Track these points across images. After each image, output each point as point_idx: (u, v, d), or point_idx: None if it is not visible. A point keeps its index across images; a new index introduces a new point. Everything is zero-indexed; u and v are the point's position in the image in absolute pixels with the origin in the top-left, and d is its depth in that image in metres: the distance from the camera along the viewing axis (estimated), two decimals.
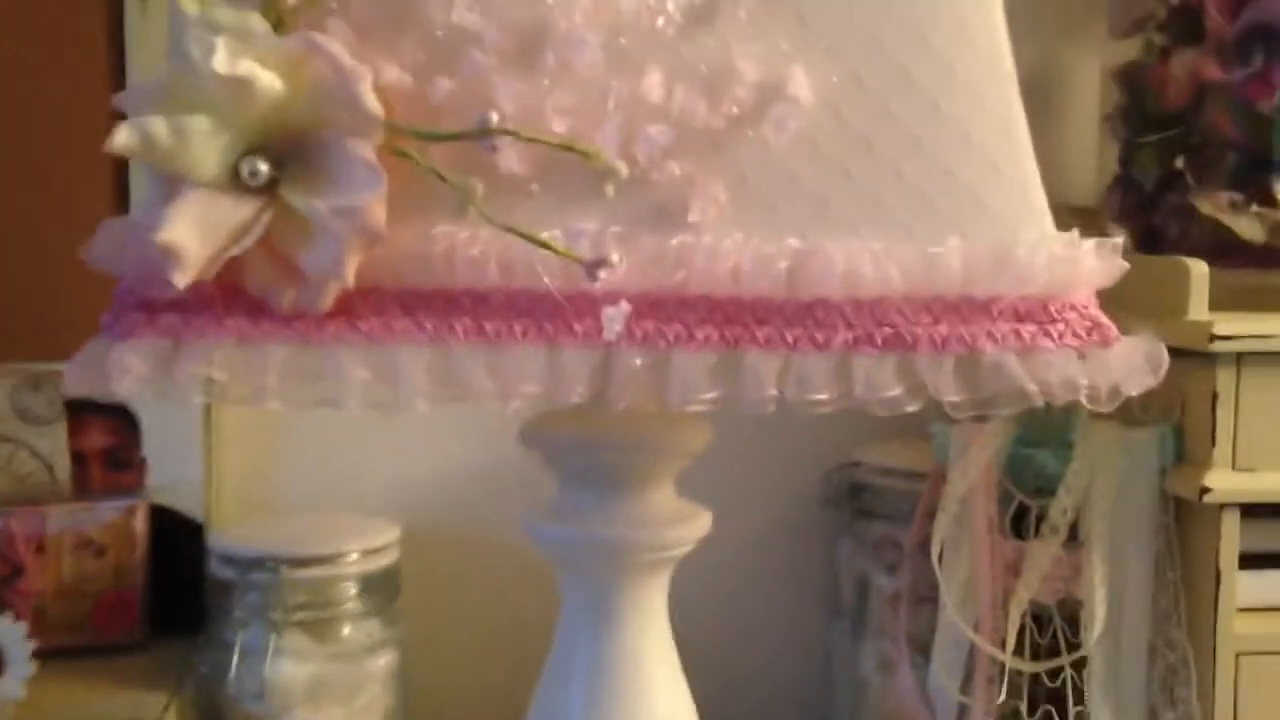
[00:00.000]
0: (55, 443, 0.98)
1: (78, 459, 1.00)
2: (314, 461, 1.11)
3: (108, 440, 1.01)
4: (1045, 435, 0.88)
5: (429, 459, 1.11)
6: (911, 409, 0.55)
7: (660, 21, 0.54)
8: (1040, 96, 1.08)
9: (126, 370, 0.52)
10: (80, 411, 1.00)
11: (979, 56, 0.56)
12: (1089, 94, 1.00)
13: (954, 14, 0.55)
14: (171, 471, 1.02)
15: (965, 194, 0.56)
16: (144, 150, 0.49)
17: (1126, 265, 0.57)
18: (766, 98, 0.54)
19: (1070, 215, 1.02)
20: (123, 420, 1.01)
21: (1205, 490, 0.79)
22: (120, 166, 0.98)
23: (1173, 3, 0.88)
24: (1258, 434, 0.80)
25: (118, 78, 0.97)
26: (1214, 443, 0.79)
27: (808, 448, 1.12)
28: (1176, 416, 0.83)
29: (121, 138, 0.49)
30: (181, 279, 0.50)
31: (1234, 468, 0.80)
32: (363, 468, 1.11)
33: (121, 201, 0.99)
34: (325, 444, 1.10)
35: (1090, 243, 0.57)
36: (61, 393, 0.53)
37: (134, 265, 0.53)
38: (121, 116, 0.96)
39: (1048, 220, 0.57)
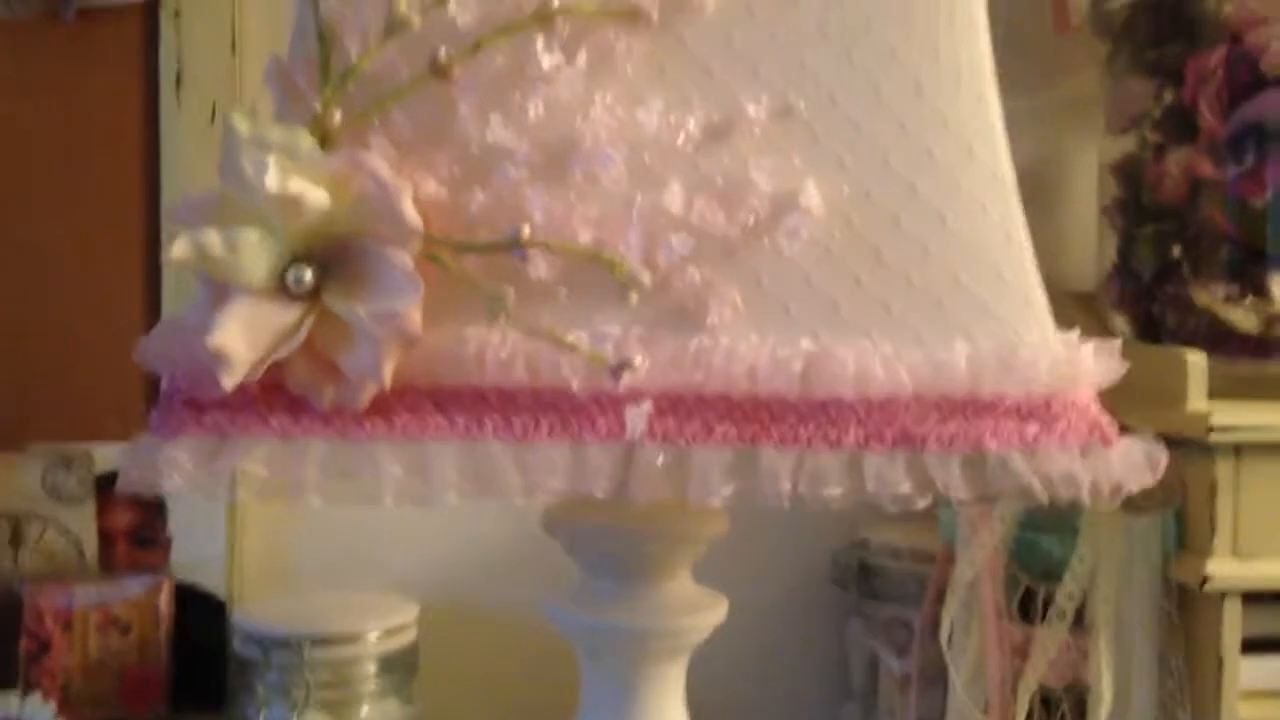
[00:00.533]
0: (84, 521, 1.00)
1: (105, 536, 1.03)
2: (334, 539, 1.13)
3: (134, 518, 1.03)
4: (1051, 520, 0.90)
5: (448, 538, 1.13)
6: (922, 504, 0.57)
7: (680, 138, 0.57)
8: (1041, 187, 1.11)
9: (175, 467, 0.55)
10: (108, 489, 1.03)
11: (981, 171, 0.59)
12: (1088, 184, 1.03)
13: (958, 132, 0.59)
14: (195, 549, 1.04)
15: (970, 300, 0.58)
16: (198, 260, 0.52)
17: (1125, 366, 0.60)
18: (780, 208, 0.57)
19: (1071, 301, 1.05)
20: (149, 498, 1.03)
21: (1206, 578, 0.81)
22: (151, 254, 1.02)
23: (1167, 101, 0.92)
24: (1257, 522, 0.82)
25: (152, 169, 1.01)
26: (1214, 531, 0.82)
27: (817, 528, 1.14)
28: (1178, 504, 0.85)
29: (178, 249, 0.52)
30: (230, 381, 0.53)
31: (1234, 555, 0.82)
32: (382, 546, 1.13)
33: (152, 290, 1.02)
34: (345, 522, 1.12)
35: (1089, 344, 0.59)
36: (117, 483, 0.56)
37: (184, 366, 0.56)
38: (155, 208, 1.00)
39: (1049, 322, 0.60)
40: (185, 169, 1.00)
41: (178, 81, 0.99)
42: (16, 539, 0.98)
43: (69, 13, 0.98)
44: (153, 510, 1.04)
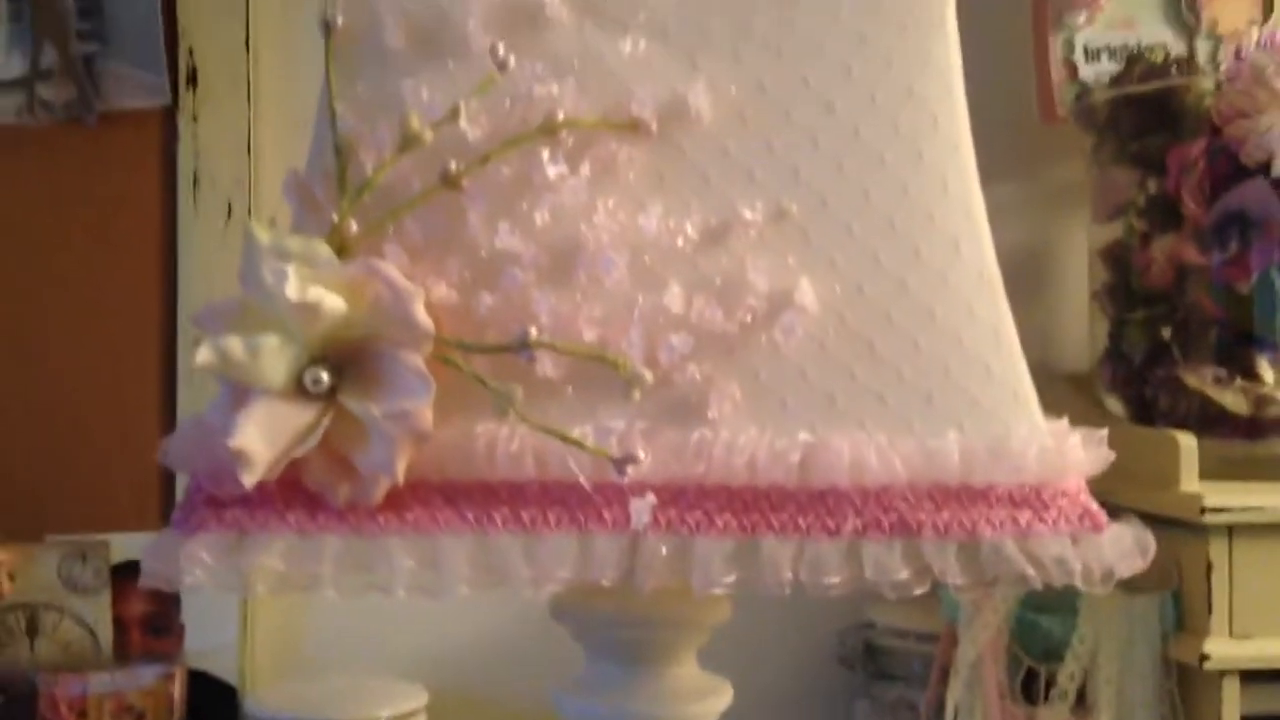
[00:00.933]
0: (99, 611, 1.02)
1: (119, 625, 1.04)
2: (345, 626, 1.14)
3: (148, 607, 1.05)
4: (1051, 601, 0.91)
5: (457, 625, 1.14)
6: (920, 590, 0.59)
7: (680, 241, 0.60)
8: (1033, 271, 1.14)
9: (196, 563, 0.57)
10: (123, 578, 1.04)
11: (967, 268, 0.61)
12: (1078, 269, 1.06)
13: (944, 231, 0.61)
14: (208, 636, 1.06)
15: (960, 392, 0.60)
16: (221, 365, 0.55)
17: (1112, 455, 0.61)
18: (776, 306, 0.60)
19: (1066, 383, 1.07)
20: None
21: (1205, 657, 0.82)
22: (168, 349, 1.04)
23: (1151, 190, 0.94)
24: (1253, 602, 0.83)
25: (169, 266, 1.04)
26: (1210, 610, 0.83)
27: (822, 609, 1.15)
28: (1175, 584, 0.86)
29: (203, 356, 0.54)
30: (250, 479, 0.55)
31: (1231, 635, 0.83)
32: (392, 633, 1.14)
33: (168, 384, 1.05)
34: (356, 609, 1.13)
35: (1077, 434, 0.61)
36: (140, 578, 0.57)
37: (205, 465, 0.58)
38: (172, 304, 1.02)
39: (1037, 414, 0.62)
40: (202, 267, 1.03)
41: (195, 183, 1.03)
42: (33, 629, 1.00)
43: (91, 118, 1.02)
44: (167, 599, 1.05)
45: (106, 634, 1.03)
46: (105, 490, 1.04)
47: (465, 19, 0.60)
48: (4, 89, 1.00)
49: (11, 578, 0.98)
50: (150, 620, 1.05)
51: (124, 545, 1.02)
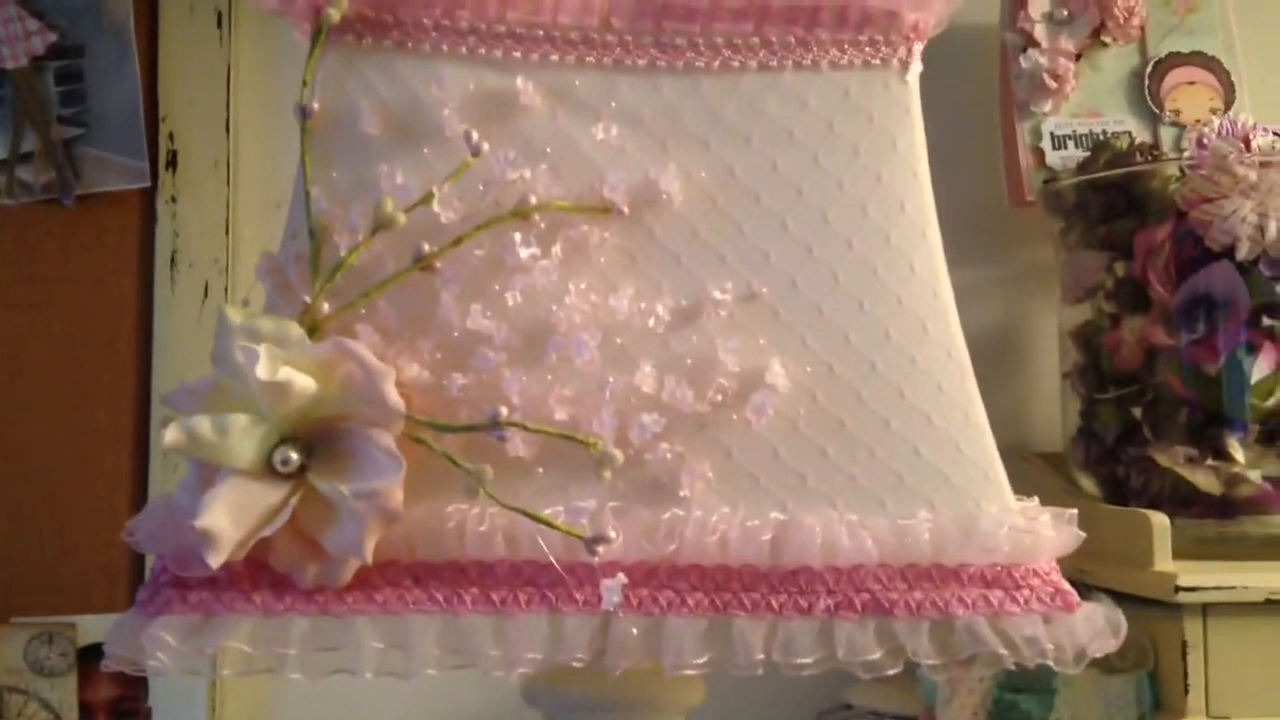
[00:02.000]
0: (64, 695, 1.00)
1: (85, 709, 1.02)
2: (313, 708, 1.13)
3: (115, 691, 1.03)
4: (1029, 681, 0.91)
5: (427, 705, 1.12)
6: (892, 670, 0.59)
7: (651, 321, 0.61)
8: (1005, 351, 1.15)
9: (160, 646, 0.56)
10: (90, 662, 1.03)
11: (935, 349, 0.62)
12: (1050, 349, 1.07)
13: (912, 312, 0.62)
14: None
15: (931, 470, 0.61)
16: (190, 446, 0.55)
17: (1082, 535, 0.62)
18: (748, 386, 0.60)
19: (1040, 462, 1.08)
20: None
21: None
22: (140, 429, 1.04)
23: (1119, 273, 0.96)
24: (1229, 682, 0.83)
25: (145, 346, 1.04)
26: (1187, 690, 0.83)
27: (799, 690, 1.14)
28: (1152, 664, 0.86)
29: (171, 435, 0.54)
30: (216, 561, 0.55)
31: (1209, 715, 0.83)
32: (361, 713, 1.12)
33: (140, 465, 1.04)
34: (325, 690, 1.12)
35: (1048, 515, 0.62)
36: (102, 661, 0.57)
37: (172, 546, 0.58)
38: (147, 383, 1.02)
39: (1008, 494, 0.62)
40: (177, 347, 1.03)
41: (172, 263, 1.03)
42: None
43: (69, 199, 1.02)
44: (134, 683, 1.03)
45: (73, 718, 1.01)
46: (73, 572, 1.03)
47: (440, 106, 0.61)
48: None
49: None
50: (117, 704, 1.03)
51: (91, 628, 1.01)
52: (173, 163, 1.04)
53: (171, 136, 1.04)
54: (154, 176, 1.03)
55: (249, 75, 1.08)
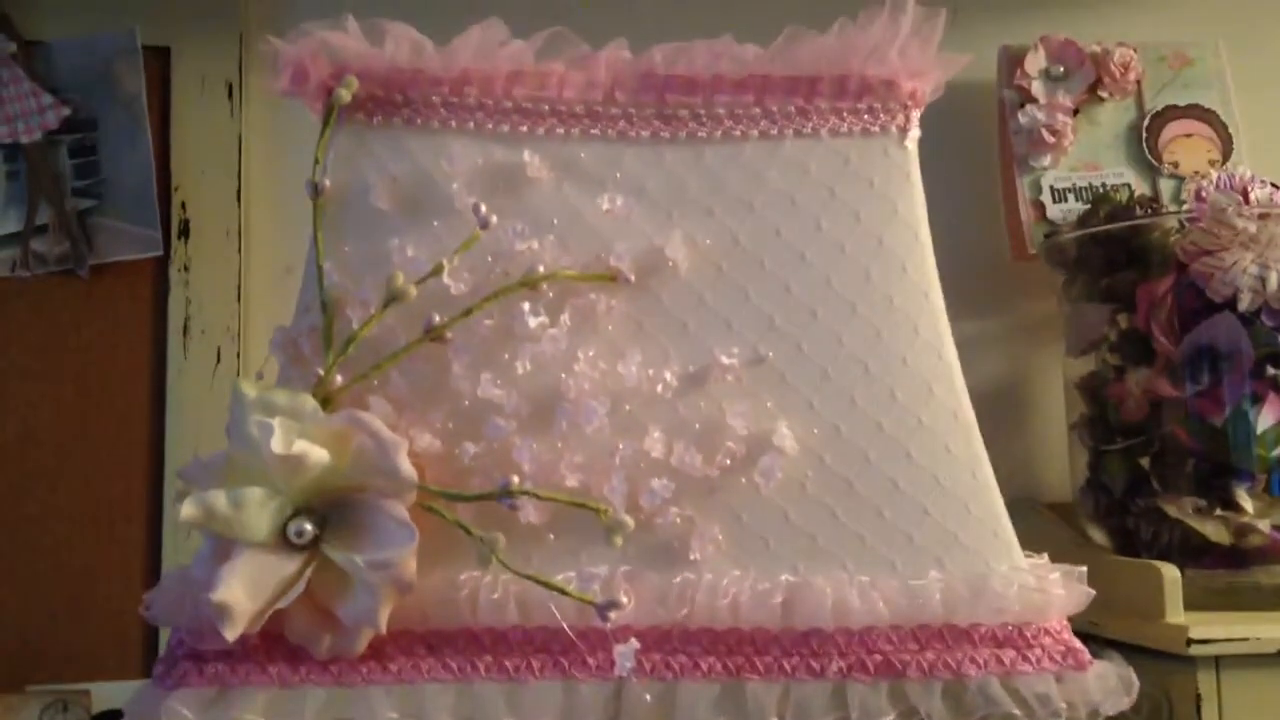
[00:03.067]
0: None
1: None
2: None
3: None
4: None
5: None
6: None
7: (659, 387, 0.62)
8: (1013, 403, 1.16)
9: (177, 719, 0.56)
10: None
11: (941, 408, 0.63)
12: (1056, 400, 1.07)
13: (917, 373, 0.63)
14: None
15: (940, 530, 0.61)
16: (205, 520, 0.55)
17: (1092, 593, 0.62)
18: (756, 449, 0.61)
19: (1050, 514, 1.08)
20: None
21: None
22: (154, 498, 1.04)
23: (1122, 326, 0.96)
24: None
25: (158, 413, 1.04)
26: None
27: None
28: (1167, 718, 0.85)
29: (187, 510, 0.55)
30: (232, 634, 0.55)
31: None
32: None
33: (153, 533, 1.04)
34: None
35: (1058, 572, 0.62)
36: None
37: (188, 620, 0.58)
38: (160, 450, 1.02)
39: (1017, 552, 0.63)
40: (191, 412, 1.04)
41: (185, 331, 1.04)
42: None
43: (84, 270, 1.04)
44: None
45: None
46: (87, 639, 1.03)
47: (449, 181, 0.63)
48: None
49: None
50: None
51: (105, 694, 1.01)
52: (185, 232, 1.05)
53: (184, 206, 1.05)
54: (167, 245, 1.04)
55: (259, 145, 1.09)
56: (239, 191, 1.07)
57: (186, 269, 1.05)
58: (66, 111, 1.05)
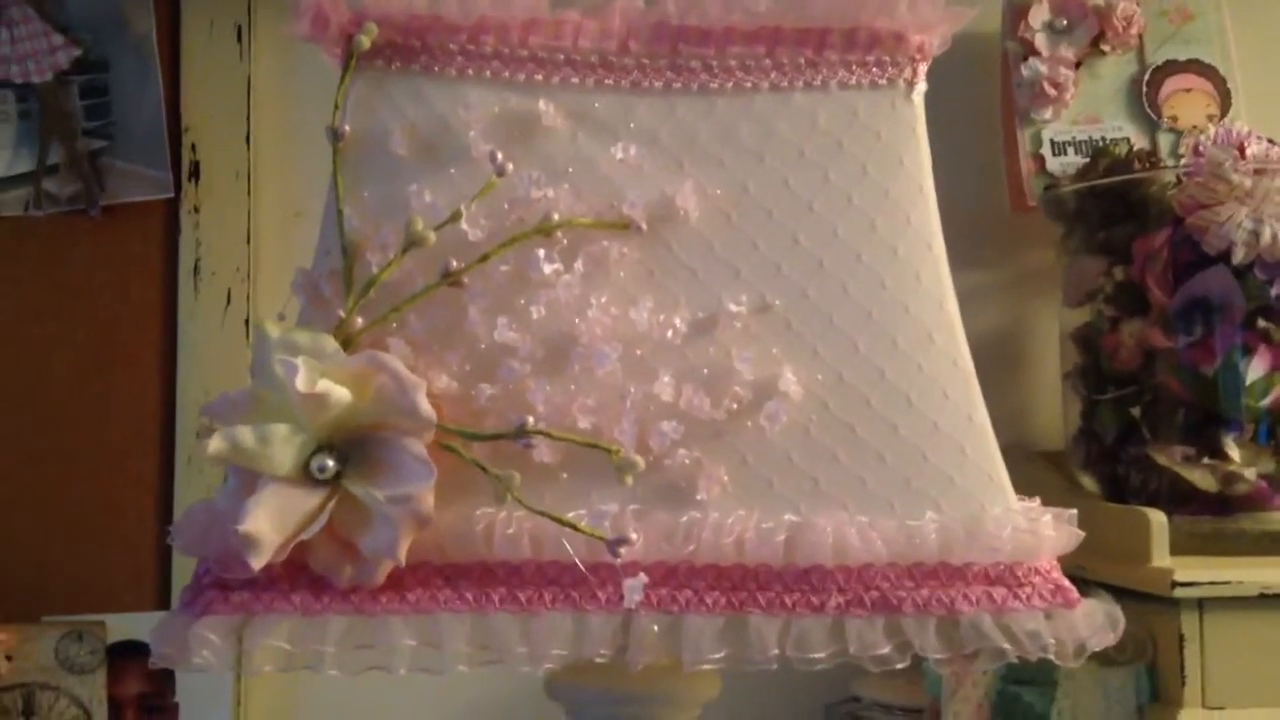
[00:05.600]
0: (94, 690, 1.03)
1: (114, 704, 1.05)
2: (338, 703, 1.15)
3: (143, 686, 1.06)
4: (1032, 674, 0.93)
5: (450, 702, 1.15)
6: (901, 664, 0.61)
7: (669, 333, 0.63)
8: (1008, 353, 1.18)
9: (204, 644, 0.59)
10: (119, 658, 1.05)
11: (941, 356, 0.65)
12: (1051, 350, 1.09)
13: (919, 322, 0.65)
14: (202, 716, 1.07)
15: (937, 474, 0.63)
16: (232, 455, 0.57)
17: (1082, 534, 0.64)
18: (762, 394, 0.63)
19: (1042, 461, 1.10)
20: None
21: None
22: (166, 432, 1.06)
23: (1118, 278, 0.98)
24: (1225, 674, 0.86)
25: (169, 352, 1.06)
26: (1184, 682, 0.85)
27: (809, 683, 1.16)
28: (1150, 657, 0.88)
29: (215, 445, 0.57)
30: (258, 563, 0.57)
31: (1204, 706, 0.85)
32: (386, 710, 1.14)
33: (166, 467, 1.06)
34: (348, 687, 1.14)
35: (1049, 515, 0.64)
36: (150, 658, 0.59)
37: (214, 550, 0.61)
38: (171, 388, 1.04)
39: (1011, 495, 0.65)
40: (201, 352, 1.06)
41: (195, 272, 1.06)
42: (29, 709, 1.01)
43: (94, 210, 1.05)
44: (161, 679, 1.06)
45: (102, 713, 1.03)
46: (102, 572, 1.05)
47: (466, 129, 0.64)
48: (11, 183, 1.03)
49: (9, 658, 1.00)
50: (145, 700, 1.06)
51: (120, 625, 1.04)
52: (195, 173, 1.06)
53: (194, 148, 1.07)
54: (177, 187, 1.05)
55: (268, 87, 1.10)
56: (248, 134, 1.08)
57: (197, 210, 1.07)
58: (77, 52, 1.05)
